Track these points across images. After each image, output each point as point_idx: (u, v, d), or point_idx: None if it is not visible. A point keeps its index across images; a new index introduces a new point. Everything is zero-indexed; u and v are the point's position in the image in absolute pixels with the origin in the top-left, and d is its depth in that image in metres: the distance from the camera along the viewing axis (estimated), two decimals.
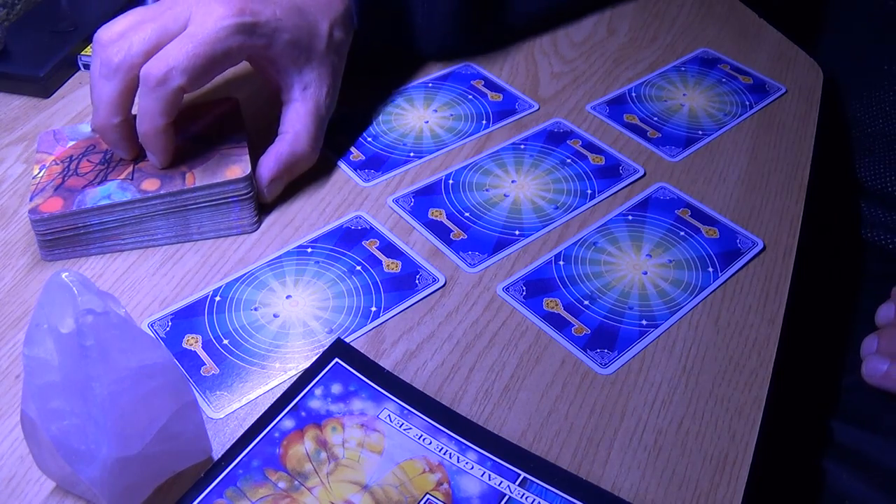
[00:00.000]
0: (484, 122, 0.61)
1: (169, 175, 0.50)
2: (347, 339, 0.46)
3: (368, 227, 0.52)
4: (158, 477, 0.38)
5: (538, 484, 0.38)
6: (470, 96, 0.63)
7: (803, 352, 0.55)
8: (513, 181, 0.56)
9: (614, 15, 0.73)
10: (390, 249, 0.51)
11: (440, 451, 0.39)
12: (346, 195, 0.55)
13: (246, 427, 0.40)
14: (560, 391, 0.43)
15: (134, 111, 0.50)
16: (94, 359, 0.34)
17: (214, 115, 0.55)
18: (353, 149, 0.58)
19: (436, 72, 0.66)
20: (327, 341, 0.45)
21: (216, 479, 0.38)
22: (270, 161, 0.52)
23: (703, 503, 0.39)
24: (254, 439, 0.39)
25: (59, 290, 0.34)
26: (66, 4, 0.70)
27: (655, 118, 0.61)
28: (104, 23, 0.52)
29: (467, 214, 0.53)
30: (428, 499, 0.37)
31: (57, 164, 0.52)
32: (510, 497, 0.38)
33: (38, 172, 0.51)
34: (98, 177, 0.51)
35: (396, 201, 0.54)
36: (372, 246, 0.51)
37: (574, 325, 0.47)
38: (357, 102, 0.62)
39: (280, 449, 0.39)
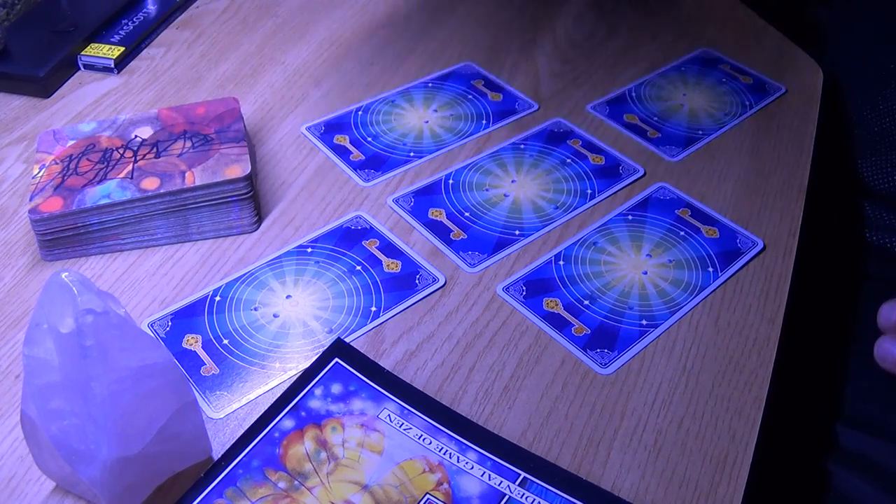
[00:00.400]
0: (484, 121, 0.61)
1: (168, 174, 0.50)
2: (347, 339, 0.45)
3: (368, 227, 0.52)
4: (158, 477, 0.38)
5: (538, 484, 0.38)
6: (470, 96, 0.63)
7: (803, 352, 0.55)
8: (513, 181, 0.56)
9: (614, 15, 0.73)
10: (390, 249, 0.51)
11: (440, 451, 0.39)
12: (346, 195, 0.55)
13: (246, 427, 0.40)
14: (560, 391, 0.43)
15: None
16: (94, 359, 0.34)
17: (214, 115, 0.55)
18: (353, 149, 0.58)
19: (436, 72, 0.66)
20: (327, 341, 0.45)
21: (216, 479, 0.38)
22: None
23: (703, 503, 0.39)
24: (254, 439, 0.39)
25: (59, 290, 0.34)
26: (66, 4, 0.70)
27: (655, 118, 0.61)
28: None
29: (467, 214, 0.53)
30: (428, 499, 0.37)
31: (57, 163, 0.52)
32: (510, 497, 0.38)
33: (38, 172, 0.51)
34: (98, 176, 0.51)
35: (396, 201, 0.54)
36: (372, 246, 0.51)
37: (574, 325, 0.47)
38: (357, 102, 0.62)
39: (280, 449, 0.39)
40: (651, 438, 0.41)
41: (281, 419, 0.40)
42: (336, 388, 0.41)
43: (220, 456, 0.39)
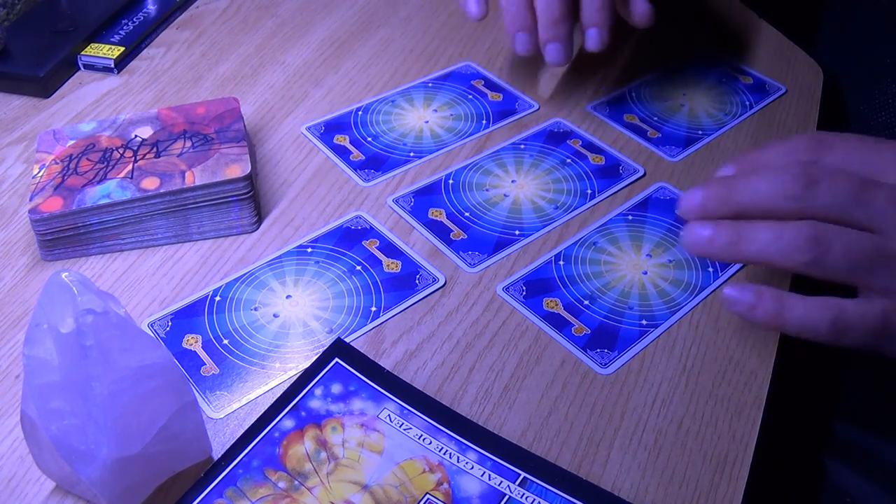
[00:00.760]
0: (484, 121, 0.61)
1: (168, 174, 0.50)
2: (347, 339, 0.46)
3: (368, 227, 0.52)
4: (158, 477, 0.38)
5: (538, 484, 0.38)
6: (470, 96, 0.63)
7: (803, 351, 0.55)
8: (513, 181, 0.56)
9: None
10: (390, 249, 0.51)
11: (440, 450, 0.39)
12: (346, 195, 0.55)
13: (246, 427, 0.40)
14: (560, 391, 0.43)
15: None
16: (94, 359, 0.34)
17: (214, 115, 0.55)
18: (353, 149, 0.58)
19: (436, 72, 0.66)
20: (327, 341, 0.45)
21: (216, 479, 0.38)
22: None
23: (703, 503, 0.39)
24: (254, 439, 0.39)
25: (59, 290, 0.34)
26: (66, 4, 0.70)
27: (655, 118, 0.61)
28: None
29: (467, 214, 0.53)
30: (428, 499, 0.37)
31: (56, 163, 0.52)
32: (510, 497, 0.38)
33: (38, 172, 0.51)
34: (98, 175, 0.51)
35: (396, 201, 0.54)
36: (372, 246, 0.51)
37: (574, 325, 0.47)
38: (357, 102, 0.62)
39: (280, 449, 0.39)
40: (651, 438, 0.41)
41: (281, 419, 0.40)
42: (336, 388, 0.41)
43: (220, 456, 0.39)
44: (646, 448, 0.41)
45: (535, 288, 0.49)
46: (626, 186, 0.56)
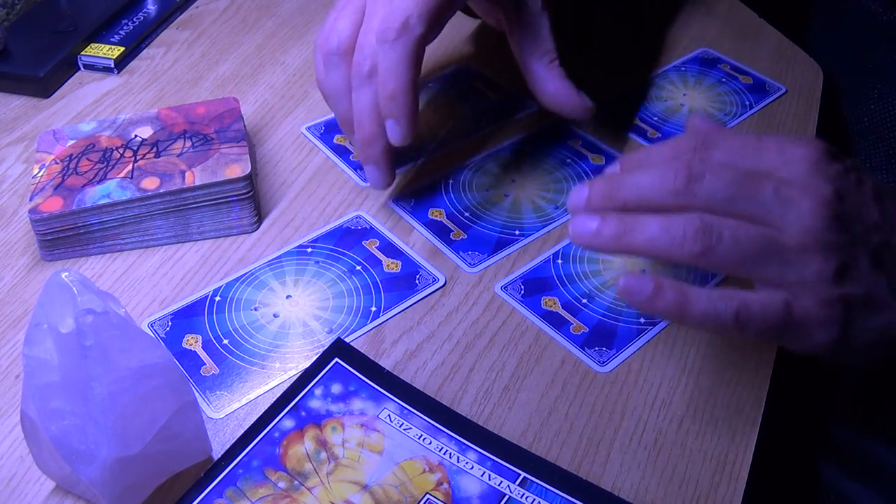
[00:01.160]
0: (483, 122, 0.61)
1: (168, 174, 0.50)
2: (347, 339, 0.46)
3: (368, 227, 0.52)
4: (158, 477, 0.38)
5: (538, 484, 0.38)
6: (470, 96, 0.63)
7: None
8: (513, 181, 0.56)
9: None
10: (390, 249, 0.51)
11: (440, 450, 0.39)
12: (346, 195, 0.55)
13: (246, 427, 0.40)
14: (560, 391, 0.43)
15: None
16: (94, 359, 0.34)
17: (214, 115, 0.55)
18: (352, 148, 0.58)
19: (436, 72, 0.66)
20: (327, 341, 0.45)
21: (216, 479, 0.38)
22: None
23: (702, 503, 0.39)
24: (254, 439, 0.39)
25: (59, 290, 0.34)
26: (66, 4, 0.70)
27: (656, 118, 0.61)
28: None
29: (467, 214, 0.53)
30: (428, 499, 0.37)
31: (57, 163, 0.52)
32: (510, 497, 0.38)
33: (38, 172, 0.51)
34: (97, 175, 0.51)
35: (396, 201, 0.54)
36: (372, 246, 0.51)
37: (572, 324, 0.47)
38: None
39: (280, 449, 0.39)
40: (651, 438, 0.41)
41: (281, 419, 0.40)
42: (336, 388, 0.41)
43: (220, 456, 0.39)
44: (646, 448, 0.41)
45: (533, 286, 0.49)
46: None
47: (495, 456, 0.39)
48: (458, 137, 0.59)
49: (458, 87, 0.64)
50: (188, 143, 0.53)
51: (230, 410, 0.42)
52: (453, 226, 0.52)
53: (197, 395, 0.43)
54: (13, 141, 0.60)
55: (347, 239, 0.52)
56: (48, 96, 0.64)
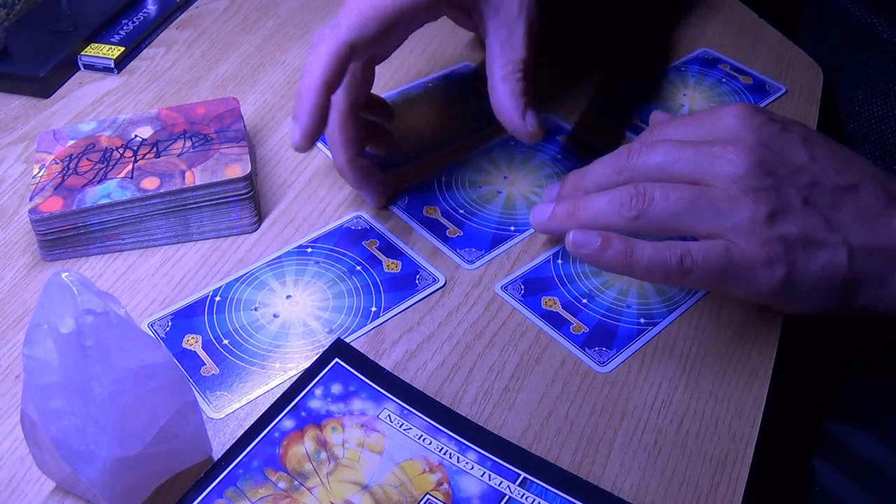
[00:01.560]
0: (483, 121, 0.60)
1: (168, 174, 0.50)
2: (347, 339, 0.46)
3: (368, 228, 0.52)
4: (158, 477, 0.38)
5: (538, 484, 0.38)
6: (470, 96, 0.63)
7: (803, 351, 0.55)
8: (505, 177, 0.56)
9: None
10: (390, 249, 0.51)
11: (440, 451, 0.39)
12: (346, 195, 0.55)
13: (246, 427, 0.40)
14: (560, 391, 0.43)
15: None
16: (94, 359, 0.34)
17: (214, 115, 0.55)
18: None
19: (435, 72, 0.66)
20: (327, 341, 0.45)
21: (216, 479, 0.38)
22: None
23: (702, 503, 0.39)
24: (254, 439, 0.39)
25: (59, 290, 0.34)
26: (66, 4, 0.70)
27: None
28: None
29: (462, 211, 0.53)
30: (428, 499, 0.37)
31: (56, 163, 0.52)
32: (510, 497, 0.38)
33: (38, 172, 0.51)
34: (98, 175, 0.51)
35: (391, 199, 0.54)
36: (372, 246, 0.51)
37: (572, 324, 0.47)
38: None
39: (280, 449, 0.39)
40: (651, 438, 0.41)
41: (281, 419, 0.40)
42: (336, 389, 0.41)
43: (220, 456, 0.39)
44: (646, 448, 0.41)
45: (533, 286, 0.49)
46: None
47: (495, 456, 0.39)
48: (459, 137, 0.59)
49: (459, 87, 0.64)
50: (188, 143, 0.53)
51: (230, 410, 0.42)
52: (448, 223, 0.52)
53: (197, 395, 0.43)
54: (13, 141, 0.60)
55: (347, 239, 0.52)
56: (48, 96, 0.64)
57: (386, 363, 0.44)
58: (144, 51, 0.68)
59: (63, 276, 0.34)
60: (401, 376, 0.42)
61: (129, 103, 0.63)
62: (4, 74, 0.64)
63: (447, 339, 0.46)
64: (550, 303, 0.48)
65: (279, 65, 0.67)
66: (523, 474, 0.38)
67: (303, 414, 0.40)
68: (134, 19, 0.70)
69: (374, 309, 0.47)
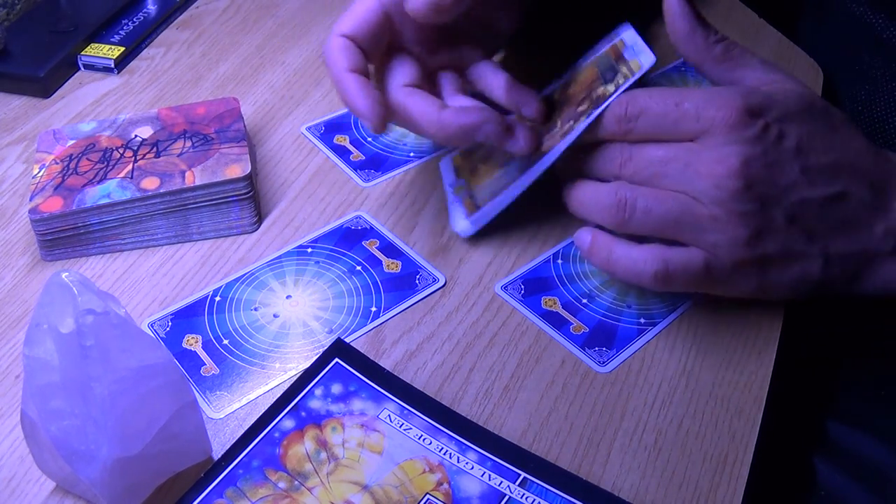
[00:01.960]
0: None
1: (168, 174, 0.50)
2: (347, 339, 0.46)
3: (368, 228, 0.52)
4: (158, 477, 0.38)
5: (538, 484, 0.38)
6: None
7: (803, 351, 0.55)
8: None
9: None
10: (390, 249, 0.51)
11: (440, 451, 0.39)
12: (346, 195, 0.55)
13: (246, 427, 0.40)
14: (560, 391, 0.43)
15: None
16: (94, 359, 0.34)
17: (214, 115, 0.55)
18: (353, 149, 0.58)
19: None
20: (327, 341, 0.45)
21: (216, 479, 0.38)
22: None
23: (702, 503, 0.39)
24: (254, 439, 0.39)
25: (59, 290, 0.34)
26: (66, 4, 0.70)
27: None
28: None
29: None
30: (428, 499, 0.37)
31: (57, 163, 0.52)
32: (510, 497, 0.38)
33: (38, 172, 0.51)
34: (98, 175, 0.51)
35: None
36: (372, 246, 0.51)
37: (572, 324, 0.47)
38: None
39: (280, 449, 0.39)
40: (651, 438, 0.41)
41: (281, 419, 0.40)
42: (336, 389, 0.41)
43: (220, 456, 0.39)
44: (646, 448, 0.41)
45: (533, 286, 0.49)
46: None
47: (495, 456, 0.39)
48: None
49: None
50: (188, 143, 0.53)
51: (230, 410, 0.42)
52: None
53: (197, 395, 0.43)
54: (13, 141, 0.60)
55: (347, 239, 0.52)
56: (48, 96, 0.64)
57: (386, 363, 0.44)
58: (144, 51, 0.68)
59: (63, 276, 0.34)
60: (401, 376, 0.42)
61: (129, 103, 0.63)
62: (4, 74, 0.64)
63: (447, 339, 0.46)
64: (550, 303, 0.48)
65: (279, 65, 0.67)
66: (523, 474, 0.38)
67: (303, 414, 0.40)
68: (134, 19, 0.70)
69: (374, 309, 0.47)
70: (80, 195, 0.49)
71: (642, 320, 0.47)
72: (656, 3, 0.53)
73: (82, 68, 0.66)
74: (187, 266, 0.50)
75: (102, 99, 0.64)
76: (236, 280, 0.49)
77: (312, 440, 0.39)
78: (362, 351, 0.44)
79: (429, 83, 0.51)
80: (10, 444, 0.41)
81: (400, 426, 0.40)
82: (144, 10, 0.71)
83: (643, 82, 0.47)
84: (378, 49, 0.49)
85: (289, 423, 0.40)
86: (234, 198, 0.51)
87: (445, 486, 0.38)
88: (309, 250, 0.51)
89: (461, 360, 0.45)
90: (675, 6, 0.48)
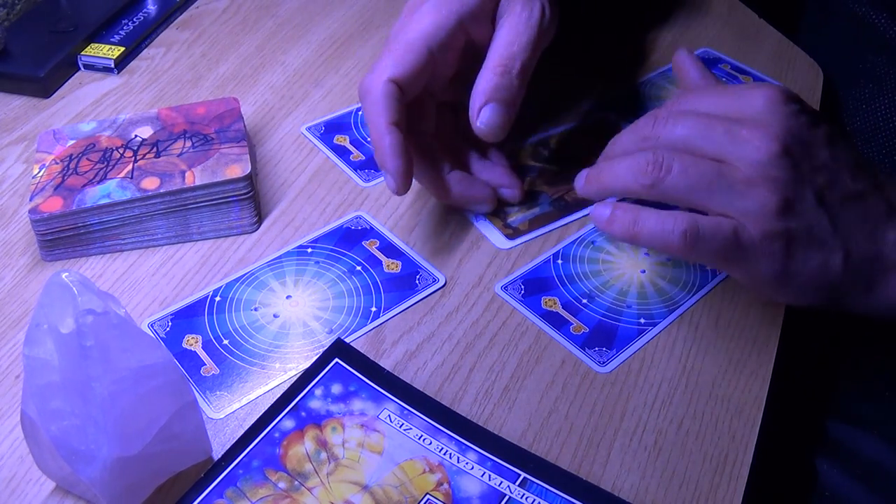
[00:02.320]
0: None
1: (168, 174, 0.50)
2: (347, 339, 0.46)
3: (368, 228, 0.52)
4: (158, 477, 0.38)
5: (538, 484, 0.38)
6: None
7: (803, 351, 0.55)
8: None
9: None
10: (390, 249, 0.51)
11: (440, 451, 0.39)
12: (346, 195, 0.55)
13: (246, 427, 0.40)
14: (560, 391, 0.43)
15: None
16: (94, 359, 0.34)
17: (214, 115, 0.55)
18: (353, 149, 0.58)
19: None
20: (327, 341, 0.45)
21: (216, 479, 0.38)
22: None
23: (702, 503, 0.39)
24: (254, 439, 0.39)
25: (59, 290, 0.34)
26: (66, 4, 0.70)
27: None
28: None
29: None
30: (428, 499, 0.37)
31: (57, 163, 0.52)
32: (510, 497, 0.38)
33: (38, 172, 0.51)
34: (98, 175, 0.51)
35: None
36: (372, 246, 0.51)
37: (572, 324, 0.47)
38: (357, 102, 0.62)
39: (280, 449, 0.39)
40: (651, 438, 0.41)
41: (281, 419, 0.40)
42: (336, 389, 0.41)
43: (220, 456, 0.39)
44: (646, 448, 0.41)
45: (533, 287, 0.49)
46: None
47: (495, 456, 0.39)
48: None
49: None
50: (188, 143, 0.53)
51: (230, 411, 0.42)
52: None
53: (197, 395, 0.43)
54: (13, 141, 0.60)
55: (347, 239, 0.52)
56: (48, 96, 0.64)
57: (386, 363, 0.44)
58: (144, 51, 0.68)
59: (63, 276, 0.34)
60: (401, 376, 0.42)
61: (129, 103, 0.63)
62: (4, 74, 0.64)
63: (447, 339, 0.46)
64: (550, 303, 0.48)
65: (279, 65, 0.67)
66: (523, 474, 0.38)
67: (303, 414, 0.40)
68: (134, 19, 0.70)
69: (374, 309, 0.47)
70: (80, 195, 0.49)
71: (642, 320, 0.47)
72: (655, 12, 0.53)
73: (82, 68, 0.66)
74: (187, 266, 0.50)
75: (102, 99, 0.64)
76: (236, 280, 0.49)
77: (312, 440, 0.39)
78: (362, 351, 0.44)
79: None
80: (10, 444, 0.41)
81: (400, 426, 0.40)
82: (144, 10, 0.71)
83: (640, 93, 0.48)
84: (415, 94, 0.49)
85: (289, 424, 0.40)
86: (234, 198, 0.51)
87: (445, 486, 0.38)
88: (309, 250, 0.51)
89: (461, 361, 0.45)
90: (686, 60, 0.53)
